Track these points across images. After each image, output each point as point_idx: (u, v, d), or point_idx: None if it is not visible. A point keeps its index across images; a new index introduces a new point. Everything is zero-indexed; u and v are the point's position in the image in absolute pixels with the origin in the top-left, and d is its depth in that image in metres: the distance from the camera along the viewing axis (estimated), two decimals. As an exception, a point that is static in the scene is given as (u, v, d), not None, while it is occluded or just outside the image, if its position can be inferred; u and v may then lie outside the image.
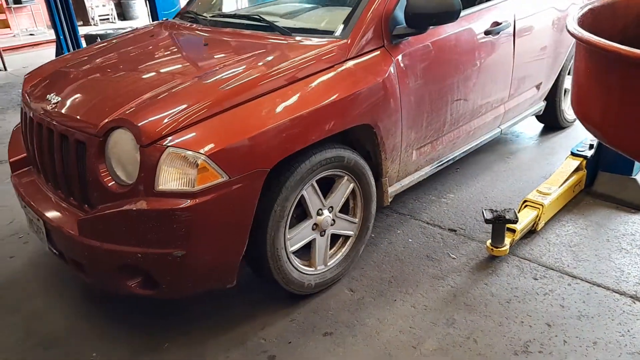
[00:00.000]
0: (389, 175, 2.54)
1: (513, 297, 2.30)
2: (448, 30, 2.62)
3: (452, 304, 2.28)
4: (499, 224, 2.48)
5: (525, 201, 2.79)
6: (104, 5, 14.41)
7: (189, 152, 1.79)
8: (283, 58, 2.17)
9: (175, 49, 2.71)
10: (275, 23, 2.56)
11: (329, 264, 2.39)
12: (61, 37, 8.54)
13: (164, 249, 1.84)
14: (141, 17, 14.34)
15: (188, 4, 3.41)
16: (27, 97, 2.43)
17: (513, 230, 2.56)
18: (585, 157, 3.07)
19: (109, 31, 9.74)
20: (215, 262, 1.97)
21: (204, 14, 3.06)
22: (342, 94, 2.15)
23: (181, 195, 1.79)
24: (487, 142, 3.27)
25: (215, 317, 2.29)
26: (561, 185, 2.90)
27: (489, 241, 2.56)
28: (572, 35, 1.02)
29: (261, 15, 2.67)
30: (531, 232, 2.73)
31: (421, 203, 3.14)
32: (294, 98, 2.04)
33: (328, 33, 2.38)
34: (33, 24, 13.89)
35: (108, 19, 14.42)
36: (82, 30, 9.83)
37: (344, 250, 2.46)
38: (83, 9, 13.84)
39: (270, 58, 2.20)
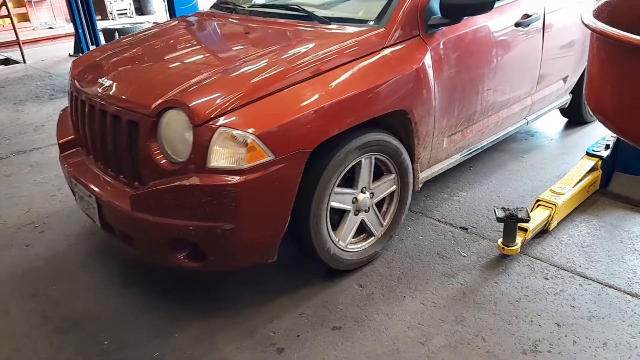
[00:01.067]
0: (420, 162, 2.63)
1: (523, 296, 2.29)
2: (480, 21, 2.70)
3: (461, 301, 2.28)
4: (511, 222, 2.47)
5: (538, 200, 2.77)
6: (122, 0, 14.53)
7: (240, 132, 1.90)
8: (324, 45, 2.26)
9: (218, 37, 2.85)
10: (314, 12, 2.66)
11: (349, 247, 2.45)
12: (80, 31, 8.66)
13: (215, 222, 1.95)
14: (159, 12, 14.45)
15: None
16: (77, 81, 2.54)
17: (525, 230, 2.55)
18: (600, 157, 3.03)
19: (126, 26, 9.85)
20: (260, 236, 2.09)
21: (242, 4, 3.19)
22: (380, 80, 2.24)
23: (231, 172, 1.91)
24: (502, 140, 3.25)
25: (226, 309, 2.32)
26: (575, 185, 2.88)
27: (500, 240, 2.55)
28: (587, 26, 1.02)
29: (300, 5, 2.78)
30: (543, 231, 2.71)
31: (433, 201, 3.14)
32: (335, 83, 2.14)
33: (365, 22, 2.46)
34: (52, 17, 14.09)
35: (126, 13, 14.55)
36: (101, 25, 9.92)
37: (364, 244, 2.52)
38: (101, 3, 14.00)
39: (311, 45, 2.29)
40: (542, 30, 3.12)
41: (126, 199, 2.09)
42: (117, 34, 9.35)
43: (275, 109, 1.99)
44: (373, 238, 2.54)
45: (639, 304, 2.20)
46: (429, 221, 2.92)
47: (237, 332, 2.18)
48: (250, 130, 1.90)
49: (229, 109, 1.94)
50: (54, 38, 11.24)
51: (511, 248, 2.50)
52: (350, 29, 2.42)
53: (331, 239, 2.33)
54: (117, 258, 2.74)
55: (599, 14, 1.07)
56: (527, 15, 2.97)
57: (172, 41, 2.88)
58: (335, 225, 2.38)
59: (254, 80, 2.04)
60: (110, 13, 14.23)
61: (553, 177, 3.32)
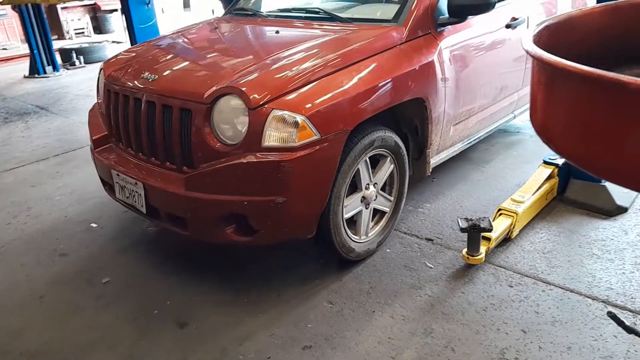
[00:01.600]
0: (432, 148, 2.88)
1: (489, 304, 2.33)
2: (480, 22, 3.02)
3: (429, 313, 2.30)
4: (474, 232, 2.51)
5: (499, 209, 2.84)
6: (79, 19, 14.27)
7: (292, 113, 2.11)
8: (352, 40, 2.53)
9: (250, 35, 3.11)
10: (336, 14, 2.94)
11: (369, 234, 2.70)
12: (35, 51, 8.44)
13: (268, 196, 2.15)
14: (117, 30, 14.24)
15: (234, 2, 3.77)
16: (115, 79, 2.72)
17: (488, 239, 2.60)
18: (557, 165, 3.14)
19: (84, 45, 9.67)
20: (306, 209, 2.29)
21: (260, 10, 3.48)
22: (402, 70, 2.52)
23: (284, 149, 2.12)
24: (464, 149, 3.32)
25: (195, 330, 2.27)
26: (534, 193, 2.96)
27: (465, 250, 2.59)
28: (526, 52, 1.06)
29: (321, 9, 3.09)
30: (506, 239, 2.78)
31: (399, 213, 3.17)
32: (367, 72, 2.40)
33: (384, 21, 2.77)
34: (6, 38, 13.69)
35: (83, 32, 14.28)
36: (57, 44, 9.71)
37: (381, 224, 2.78)
38: (58, 22, 13.71)
39: (340, 41, 2.57)
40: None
41: (178, 182, 2.28)
42: (74, 54, 9.17)
43: (320, 94, 2.21)
44: (387, 215, 2.80)
45: (599, 307, 2.27)
46: (395, 233, 2.95)
47: (205, 355, 2.14)
48: (301, 112, 2.11)
49: (280, 93, 2.15)
50: (7, 59, 10.92)
51: (476, 257, 2.55)
52: (372, 27, 2.72)
53: (355, 241, 2.59)
54: (75, 287, 2.65)
55: (539, 38, 1.11)
56: (514, 18, 3.30)
57: (205, 40, 3.16)
58: (352, 223, 2.62)
59: (298, 69, 2.27)
60: (67, 32, 13.94)
61: (513, 185, 3.41)
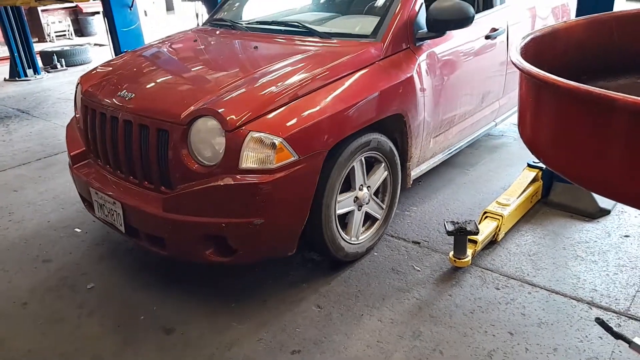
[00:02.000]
0: (412, 160, 2.90)
1: (476, 307, 2.35)
2: (460, 34, 3.00)
3: (417, 316, 2.31)
4: (461, 235, 2.53)
5: (485, 212, 2.86)
6: (60, 22, 14.08)
7: (269, 135, 2.11)
8: (330, 57, 2.51)
9: (228, 51, 3.06)
10: (314, 28, 2.90)
11: (360, 238, 2.71)
12: (15, 54, 8.30)
13: (246, 218, 2.15)
14: (99, 33, 14.09)
15: (214, 12, 3.68)
16: (92, 95, 2.67)
17: (475, 242, 2.62)
18: (541, 168, 3.18)
19: (66, 48, 9.54)
20: (285, 229, 2.30)
21: (240, 22, 3.40)
22: (381, 87, 2.51)
23: (262, 172, 2.12)
24: (452, 155, 3.35)
25: (182, 336, 2.24)
26: (519, 196, 3.00)
27: (452, 253, 2.61)
28: (514, 65, 1.07)
29: (300, 22, 3.02)
30: (492, 242, 2.80)
31: (385, 217, 3.18)
32: (345, 90, 2.40)
33: (362, 37, 2.74)
34: (-15, 40, 13.43)
35: (65, 35, 14.09)
36: (38, 47, 9.57)
37: (372, 229, 2.79)
38: (39, 25, 13.51)
39: (319, 57, 2.54)
40: (506, 41, 3.46)
41: (156, 202, 2.26)
42: (55, 57, 9.04)
43: (297, 114, 2.20)
44: (378, 222, 2.80)
45: (584, 308, 2.30)
46: (383, 237, 2.95)
47: (193, 363, 2.12)
48: (278, 134, 2.11)
49: (257, 115, 2.15)
50: (-13, 62, 10.71)
51: (462, 260, 2.56)
52: (350, 42, 2.71)
53: (345, 241, 2.57)
54: (59, 294, 2.60)
55: (526, 50, 1.13)
56: (494, 29, 3.32)
57: (183, 54, 3.11)
58: (344, 224, 2.63)
59: (276, 88, 2.26)
60: (48, 35, 13.75)
61: (498, 188, 3.45)
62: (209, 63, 2.89)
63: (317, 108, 2.25)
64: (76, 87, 2.94)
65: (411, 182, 2.95)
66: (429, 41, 2.81)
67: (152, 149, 2.28)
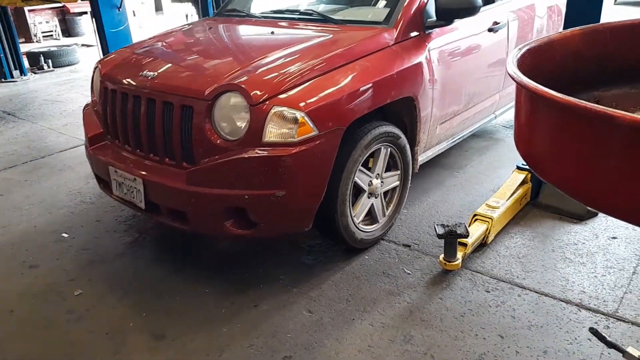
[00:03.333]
0: (419, 145, 2.99)
1: (467, 310, 2.36)
2: (465, 25, 3.13)
3: (408, 320, 2.32)
4: (451, 238, 2.54)
5: (475, 215, 2.87)
6: (47, 22, 13.93)
7: (291, 110, 2.19)
8: (346, 41, 2.62)
9: (248, 34, 3.20)
10: (329, 16, 3.04)
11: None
12: (1, 54, 8.19)
13: (269, 190, 2.22)
14: (87, 33, 13.96)
15: (225, 4, 3.81)
16: (112, 77, 2.76)
17: (465, 244, 2.63)
18: (530, 170, 3.20)
19: (53, 49, 9.44)
20: (304, 203, 2.37)
21: (253, 12, 3.53)
22: (394, 69, 2.61)
23: (284, 145, 2.19)
24: (438, 155, 3.37)
25: (171, 342, 2.23)
26: (509, 198, 3.01)
27: (442, 256, 2.62)
28: (511, 77, 1.07)
29: (315, 10, 3.18)
30: (482, 245, 2.82)
31: (376, 219, 3.18)
32: (361, 71, 2.49)
33: (376, 23, 2.86)
34: (-30, 40, 13.24)
35: (52, 35, 13.94)
36: (25, 48, 9.46)
37: (372, 227, 2.83)
38: (25, 25, 13.34)
39: (336, 41, 2.65)
40: (507, 36, 3.59)
41: (179, 176, 2.33)
42: (42, 58, 8.95)
43: (317, 92, 2.29)
44: (377, 224, 2.85)
45: (573, 310, 2.32)
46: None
47: (183, 370, 2.10)
48: (300, 108, 2.19)
49: (280, 90, 2.23)
50: (-29, 62, 10.55)
51: (453, 263, 2.57)
52: (365, 28, 2.82)
53: (351, 218, 2.62)
54: (46, 300, 2.57)
55: (522, 62, 1.14)
56: (496, 22, 3.44)
57: (200, 39, 3.20)
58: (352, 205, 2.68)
59: (296, 67, 2.35)
60: (35, 35, 13.58)
61: (487, 190, 3.46)
62: (228, 46, 3.03)
63: (336, 86, 2.35)
64: (93, 72, 3.04)
65: (418, 168, 3.05)
66: (437, 30, 2.94)
67: (176, 125, 2.35)
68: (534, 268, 2.63)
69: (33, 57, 9.05)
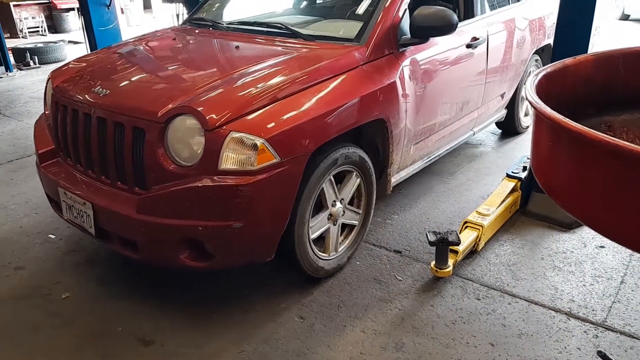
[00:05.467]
0: (392, 166, 2.86)
1: (458, 318, 2.36)
2: (442, 42, 3.01)
3: (400, 327, 2.31)
4: (442, 246, 2.55)
5: (465, 222, 2.89)
6: (33, 18, 13.72)
7: (250, 136, 2.04)
8: (314, 59, 2.47)
9: (211, 49, 2.99)
10: (297, 30, 2.87)
11: (339, 250, 2.67)
12: (-14, 50, 8.04)
13: (225, 221, 2.06)
14: (74, 30, 13.79)
15: (194, 12, 3.59)
16: (64, 91, 2.57)
17: (456, 252, 2.64)
18: (519, 178, 3.23)
19: (39, 45, 9.30)
20: (264, 234, 2.22)
21: (220, 22, 3.34)
22: (364, 91, 2.48)
23: (242, 173, 2.04)
24: (437, 159, 3.38)
25: (159, 348, 2.20)
26: (499, 206, 3.03)
27: (433, 262, 2.62)
28: (532, 106, 1.07)
29: (283, 24, 2.97)
30: (472, 252, 2.83)
31: (367, 225, 3.18)
32: (329, 93, 2.36)
33: (346, 40, 2.72)
34: (-47, 34, 13.01)
35: (38, 31, 13.74)
36: (10, 43, 9.30)
37: (350, 237, 2.75)
38: (11, 20, 13.13)
39: (302, 59, 2.51)
40: (486, 52, 3.49)
41: (129, 203, 2.16)
42: (28, 54, 8.81)
43: (281, 115, 2.15)
44: (356, 228, 2.77)
45: (562, 319, 2.34)
46: (365, 246, 2.95)
47: (173, 376, 2.07)
48: (260, 134, 2.05)
49: (238, 114, 2.08)
50: (-45, 57, 10.35)
51: (444, 270, 2.58)
52: (334, 46, 2.67)
53: (323, 259, 2.54)
54: (32, 303, 2.52)
55: (539, 87, 1.14)
56: (475, 38, 3.32)
57: (161, 52, 3.02)
58: (321, 241, 2.58)
59: (259, 88, 2.20)
60: (21, 31, 13.38)
61: (477, 197, 3.48)
62: (188, 61, 2.82)
63: (300, 110, 2.21)
64: (47, 83, 2.84)
65: (391, 189, 2.93)
66: (412, 47, 2.81)
67: (127, 148, 2.19)
68: (523, 276, 2.65)
69: (19, 53, 8.90)
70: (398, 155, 2.87)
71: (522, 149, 4.27)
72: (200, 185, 2.03)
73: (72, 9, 14.05)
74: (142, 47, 3.09)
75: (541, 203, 3.22)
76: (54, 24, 14.30)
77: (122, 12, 14.23)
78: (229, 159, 2.03)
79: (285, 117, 2.15)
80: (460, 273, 2.68)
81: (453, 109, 3.34)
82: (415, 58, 2.84)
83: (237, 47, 2.80)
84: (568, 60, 1.37)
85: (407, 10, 2.79)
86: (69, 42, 11.39)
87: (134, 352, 2.20)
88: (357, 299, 2.50)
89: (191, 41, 3.13)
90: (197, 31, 3.26)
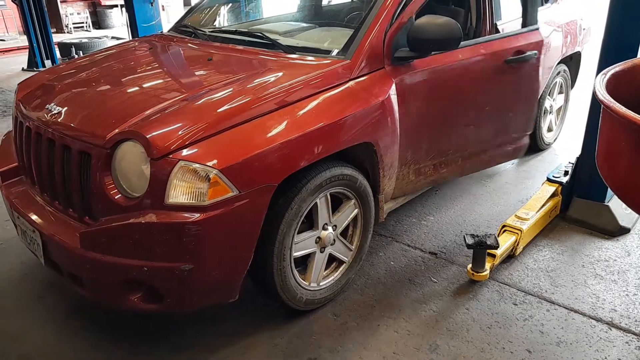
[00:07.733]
0: (385, 192, 2.57)
1: (494, 322, 2.33)
2: (449, 59, 2.66)
3: (434, 329, 2.29)
4: (480, 249, 2.51)
5: (504, 226, 2.84)
6: (78, 13, 14.18)
7: (202, 166, 1.79)
8: (290, 76, 2.19)
9: (179, 63, 2.71)
10: (278, 41, 2.59)
11: (321, 284, 2.38)
12: (34, 44, 8.36)
13: (172, 262, 1.83)
14: (117, 26, 14.18)
15: (183, 17, 3.45)
16: (22, 106, 2.38)
17: (493, 255, 2.60)
18: (561, 183, 3.15)
19: (84, 40, 9.60)
20: (222, 276, 1.96)
21: (203, 29, 3.08)
22: (346, 112, 2.18)
23: (191, 208, 1.79)
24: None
25: (194, 341, 2.24)
26: (538, 210, 2.97)
27: (470, 265, 2.59)
28: (604, 104, 1.04)
29: (263, 33, 2.71)
30: (510, 256, 2.78)
31: (402, 225, 3.17)
32: (302, 115, 2.08)
33: (330, 53, 2.42)
34: (4, 29, 13.58)
35: (83, 27, 14.20)
36: (56, 38, 9.63)
37: (336, 274, 2.47)
38: (57, 16, 13.62)
39: (277, 75, 2.22)
40: (538, 66, 3.12)
41: (75, 235, 1.93)
42: (73, 49, 9.11)
43: (240, 142, 1.89)
44: (344, 265, 2.49)
45: (603, 328, 2.27)
46: (399, 246, 2.94)
47: (208, 366, 2.11)
48: (212, 164, 1.79)
49: (190, 141, 1.83)
50: (5, 51, 10.82)
51: (480, 274, 2.54)
52: (316, 59, 2.38)
53: (301, 287, 2.27)
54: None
55: (607, 86, 1.10)
56: (520, 52, 2.99)
57: (129, 65, 2.73)
58: (302, 265, 2.32)
59: (218, 110, 1.96)
60: (66, 26, 13.86)
61: (516, 201, 3.42)
62: (151, 77, 2.55)
63: (266, 135, 1.94)
64: (14, 94, 2.62)
65: (385, 216, 2.66)
66: (410, 62, 2.48)
67: (75, 173, 1.99)
68: (563, 283, 2.59)
69: (64, 47, 9.23)
70: (391, 181, 2.58)
71: (564, 153, 4.16)
72: (142, 221, 1.79)
73: (116, 6, 14.46)
74: (112, 58, 2.85)
75: (583, 209, 3.14)
76: (98, 20, 14.75)
77: (163, 9, 14.54)
78: (178, 192, 1.80)
79: (246, 143, 1.89)
80: (497, 277, 2.64)
81: (473, 136, 3.01)
82: (414, 74, 2.49)
83: (209, 59, 2.57)
84: (637, 60, 1.32)
85: (413, 18, 2.40)
86: (112, 37, 11.73)
87: (170, 352, 2.24)
88: (391, 299, 2.50)
89: (163, 53, 2.87)
90: (174, 40, 3.01)
